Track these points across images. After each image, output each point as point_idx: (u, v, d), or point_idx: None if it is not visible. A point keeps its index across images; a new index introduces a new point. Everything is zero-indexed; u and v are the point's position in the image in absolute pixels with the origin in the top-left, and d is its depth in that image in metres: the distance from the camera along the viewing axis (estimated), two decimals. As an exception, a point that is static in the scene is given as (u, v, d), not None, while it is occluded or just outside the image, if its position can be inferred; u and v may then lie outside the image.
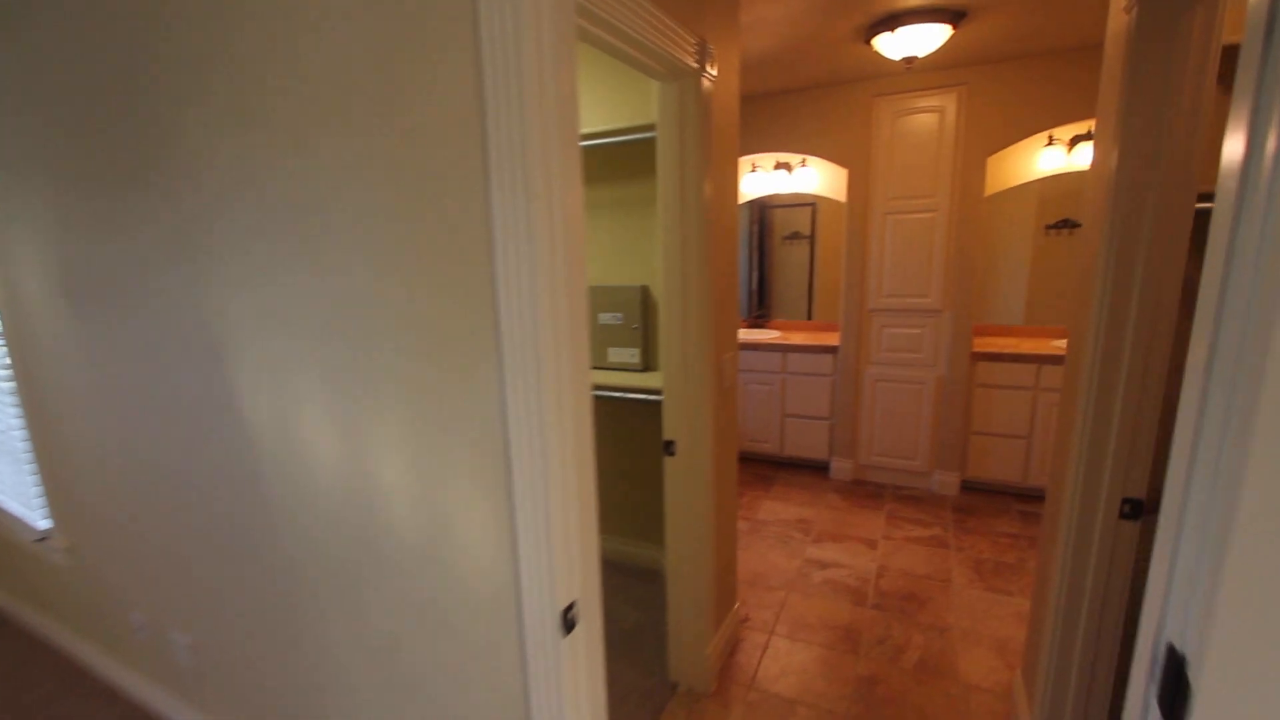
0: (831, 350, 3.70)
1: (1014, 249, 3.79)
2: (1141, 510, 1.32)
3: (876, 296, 3.51)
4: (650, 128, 2.07)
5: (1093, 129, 3.28)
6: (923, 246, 3.34)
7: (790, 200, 4.35)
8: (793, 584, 2.65)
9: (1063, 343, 3.43)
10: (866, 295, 3.54)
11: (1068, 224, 3.69)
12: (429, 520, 1.10)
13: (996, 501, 3.39)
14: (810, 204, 4.32)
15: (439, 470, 1.06)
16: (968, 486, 3.56)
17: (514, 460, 0.94)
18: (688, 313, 1.76)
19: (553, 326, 0.89)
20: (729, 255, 1.98)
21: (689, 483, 1.87)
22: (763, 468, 4.05)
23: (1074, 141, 3.31)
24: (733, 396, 2.08)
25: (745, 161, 4.16)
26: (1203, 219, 1.47)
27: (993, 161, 3.27)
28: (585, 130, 2.34)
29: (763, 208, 4.49)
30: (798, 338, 3.97)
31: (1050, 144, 3.36)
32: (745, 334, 4.17)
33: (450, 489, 1.05)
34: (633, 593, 2.58)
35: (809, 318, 4.38)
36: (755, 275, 4.63)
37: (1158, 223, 1.22)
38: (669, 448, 1.87)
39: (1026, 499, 3.41)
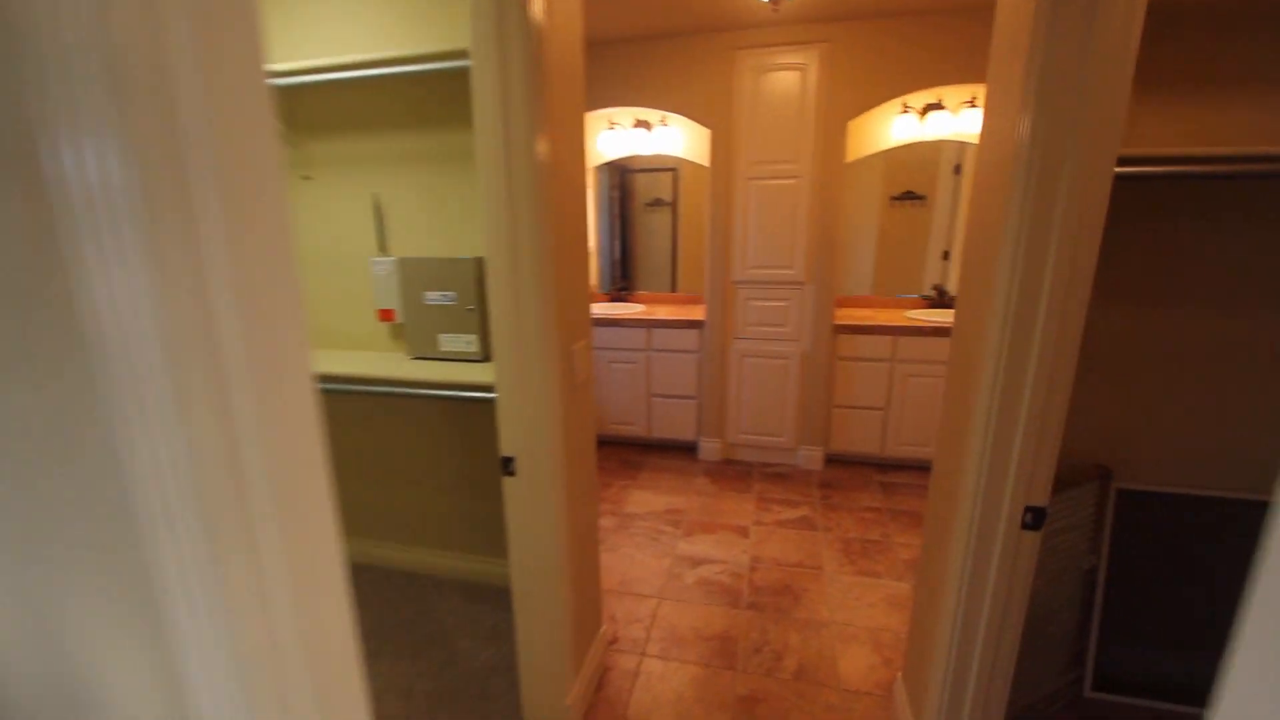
0: (697, 325, 3.48)
1: (865, 220, 3.80)
2: (1044, 519, 1.17)
3: (741, 268, 3.31)
4: (463, 54, 1.59)
5: (943, 99, 3.31)
6: (786, 215, 3.18)
7: (652, 164, 4.04)
8: (664, 589, 2.40)
9: (916, 314, 3.48)
10: (731, 267, 3.34)
11: (911, 196, 3.74)
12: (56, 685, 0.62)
13: (858, 474, 3.40)
14: (672, 168, 4.05)
15: (53, 598, 0.58)
16: (832, 460, 3.55)
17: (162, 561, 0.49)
18: (520, 295, 1.35)
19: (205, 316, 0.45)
20: (576, 223, 1.59)
21: (535, 509, 1.50)
22: (630, 452, 3.79)
23: (926, 110, 3.30)
24: (588, 393, 1.73)
25: (600, 117, 3.76)
26: (1124, 187, 1.33)
27: (852, 127, 3.17)
28: (375, 55, 1.80)
29: (623, 171, 4.14)
30: (662, 312, 3.71)
31: (904, 111, 3.33)
32: (607, 309, 3.84)
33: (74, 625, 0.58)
34: (485, 623, 2.18)
35: (674, 290, 4.15)
36: (618, 245, 4.30)
37: (1074, 195, 1.02)
38: (507, 466, 1.48)
39: (885, 469, 3.46)
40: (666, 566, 2.55)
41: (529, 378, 1.39)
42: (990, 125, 1.30)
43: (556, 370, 1.44)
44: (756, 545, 2.70)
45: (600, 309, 3.88)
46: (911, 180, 3.75)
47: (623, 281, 4.27)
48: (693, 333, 3.50)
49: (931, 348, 3.17)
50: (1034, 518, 1.17)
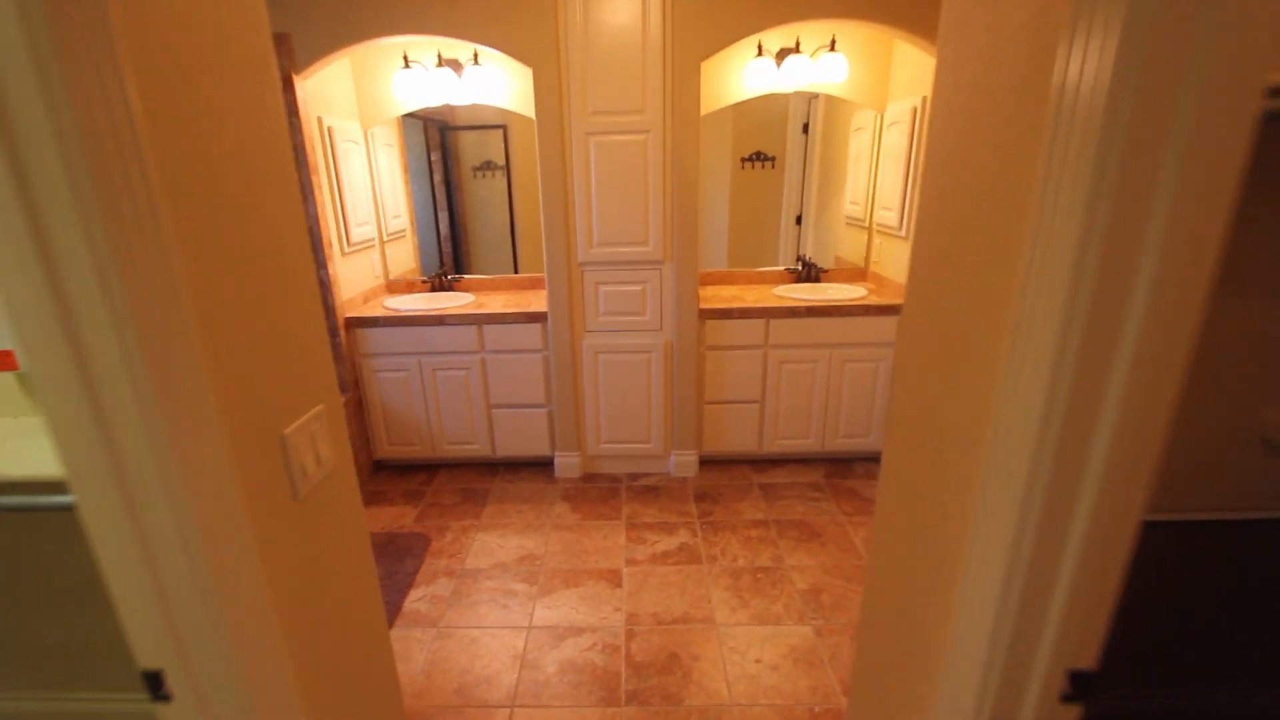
0: (539, 319, 2.83)
1: (716, 184, 3.36)
2: (1090, 687, 0.72)
3: (587, 247, 2.70)
4: None
5: (800, 41, 2.89)
6: (636, 179, 2.60)
7: (476, 119, 3.24)
8: (519, 688, 1.79)
9: (784, 290, 3.11)
10: (575, 245, 2.71)
11: (761, 157, 3.36)
12: None
13: (737, 477, 3.01)
14: (501, 125, 3.28)
15: None
16: (706, 462, 3.13)
17: None
18: (98, 366, 0.62)
19: None
20: (282, 210, 0.86)
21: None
22: (472, 477, 3.08)
23: (782, 55, 2.86)
24: (344, 492, 1.03)
25: (385, 50, 2.89)
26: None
27: (705, 71, 2.64)
28: None
29: (444, 129, 3.30)
30: (496, 303, 3.00)
31: (759, 55, 2.87)
32: (426, 303, 3.04)
33: None
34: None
35: (516, 271, 3.43)
36: (446, 220, 3.47)
37: (1196, 144, 0.52)
38: (155, 687, 0.76)
39: (763, 466, 3.10)
40: (520, 650, 1.94)
41: (161, 515, 0.67)
42: (968, 48, 0.78)
43: (236, 491, 0.73)
44: (632, 596, 2.18)
45: (416, 303, 3.08)
46: (760, 140, 3.35)
47: (450, 266, 3.47)
48: (535, 328, 2.84)
49: (807, 330, 2.82)
50: (1077, 686, 0.71)
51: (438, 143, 3.39)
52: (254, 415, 0.79)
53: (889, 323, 2.79)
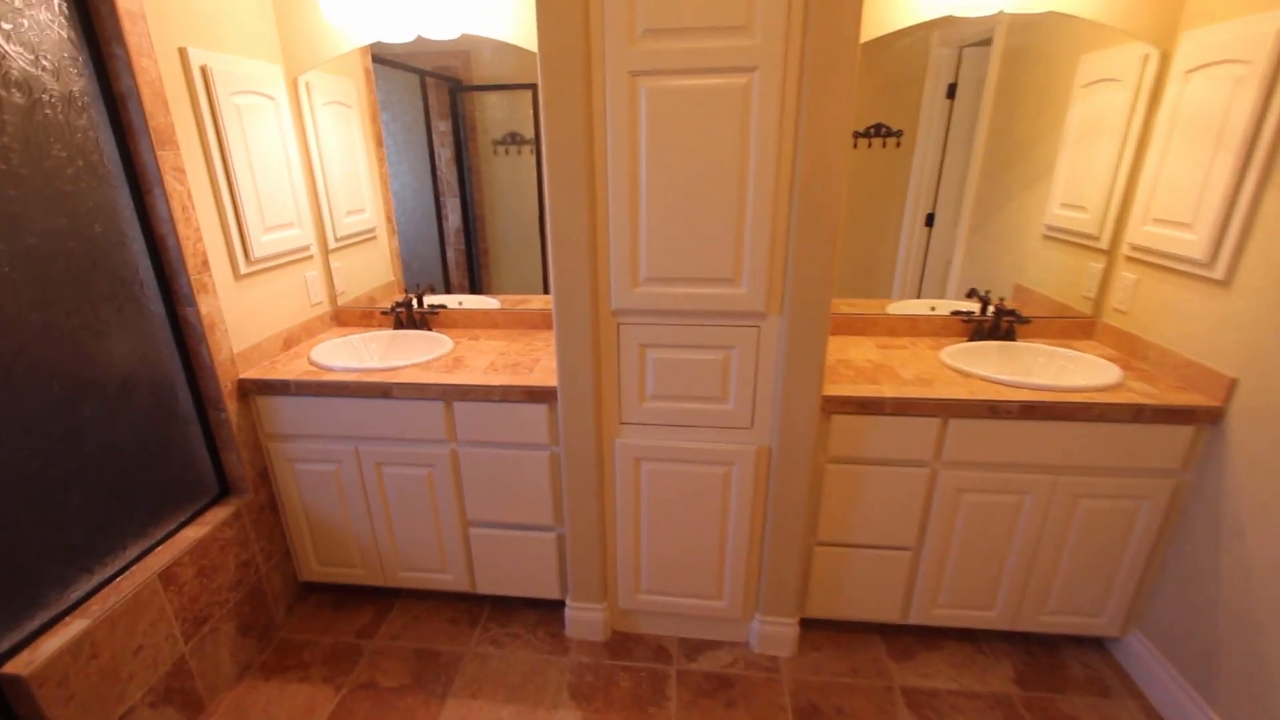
0: (544, 397, 1.68)
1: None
2: None
3: (628, 284, 1.52)
4: None
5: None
6: (725, 160, 1.39)
7: (496, 76, 2.10)
8: None
9: (959, 354, 1.85)
10: (605, 278, 1.53)
11: (884, 131, 2.09)
12: None
13: (862, 666, 1.80)
14: (530, 85, 2.13)
15: None
16: (811, 628, 1.93)
17: None
18: None
19: None
20: None
21: None
22: (441, 626, 1.99)
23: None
24: None
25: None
26: None
27: (866, -42, 1.41)
28: None
29: (454, 88, 2.17)
30: (490, 352, 1.86)
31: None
32: (380, 349, 1.95)
33: None
34: None
35: (546, 287, 2.28)
36: (457, 211, 2.35)
37: None
38: None
39: (904, 646, 1.88)
40: None
41: None
42: None
43: None
44: None
45: (362, 350, 1.99)
46: (885, 107, 2.08)
47: (463, 275, 2.35)
48: (538, 411, 1.70)
49: (1014, 438, 1.57)
50: None
51: (446, 107, 2.26)
52: None
53: (1175, 436, 1.51)
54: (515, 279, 2.35)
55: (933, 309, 2.09)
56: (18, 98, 1.23)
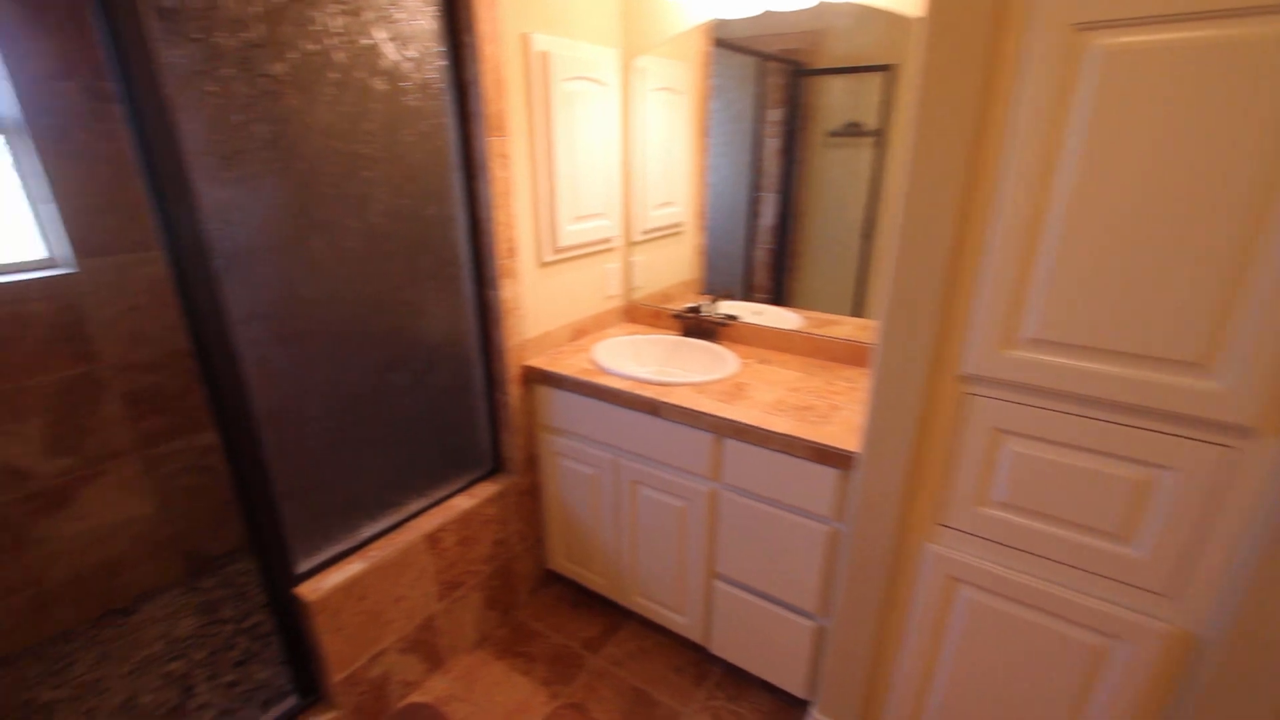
0: (837, 460, 1.30)
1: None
2: None
3: (1001, 337, 1.03)
4: None
5: None
6: (1252, 173, 0.82)
7: (848, 58, 1.79)
8: None
9: None
10: (963, 325, 1.07)
11: None
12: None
13: None
14: (885, 66, 1.75)
15: None
16: None
17: None
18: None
19: None
20: None
21: None
22: (663, 673, 1.80)
23: None
24: None
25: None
26: None
27: None
28: None
29: (796, 71, 1.93)
30: (771, 390, 1.56)
31: None
32: (660, 355, 1.80)
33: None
34: None
35: (858, 310, 1.90)
36: (774, 209, 2.13)
37: None
38: None
39: None
40: None
41: None
42: None
43: None
44: None
45: (641, 356, 1.87)
46: None
47: (766, 282, 2.12)
48: (824, 475, 1.33)
49: None
50: None
51: (782, 94, 2.00)
52: None
53: None
54: (824, 293, 1.98)
55: None
56: (382, 85, 1.30)
